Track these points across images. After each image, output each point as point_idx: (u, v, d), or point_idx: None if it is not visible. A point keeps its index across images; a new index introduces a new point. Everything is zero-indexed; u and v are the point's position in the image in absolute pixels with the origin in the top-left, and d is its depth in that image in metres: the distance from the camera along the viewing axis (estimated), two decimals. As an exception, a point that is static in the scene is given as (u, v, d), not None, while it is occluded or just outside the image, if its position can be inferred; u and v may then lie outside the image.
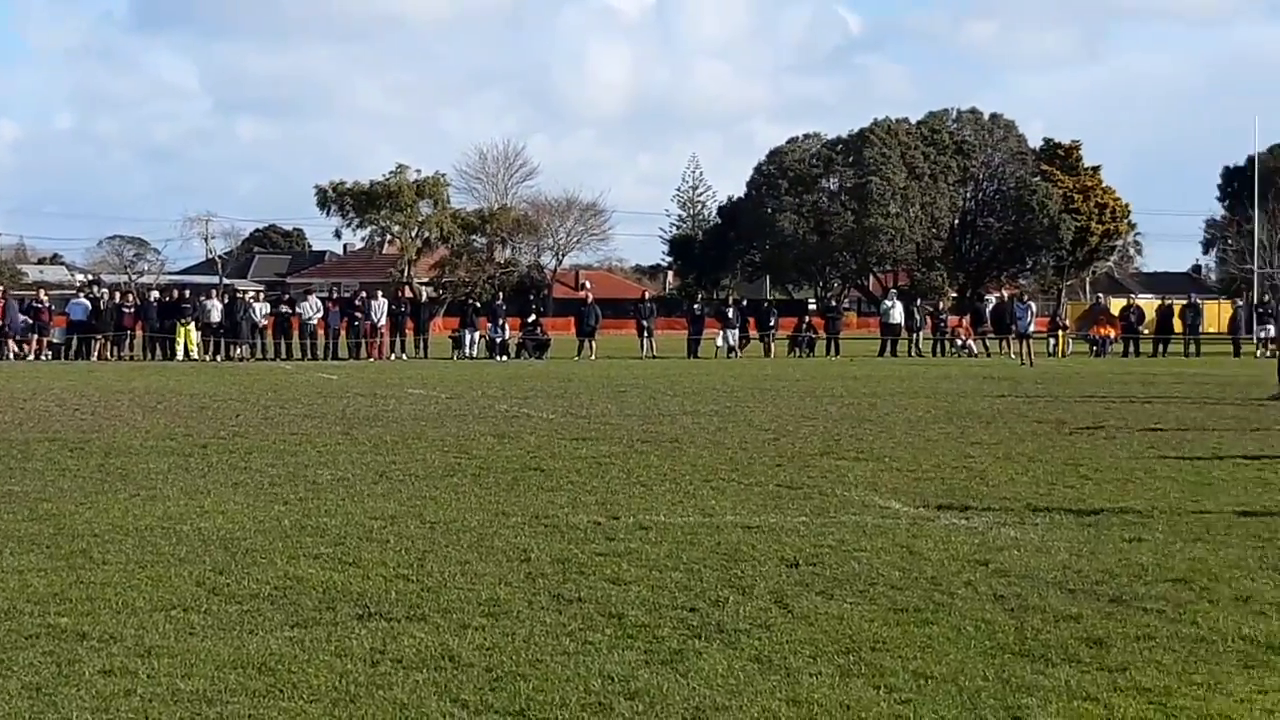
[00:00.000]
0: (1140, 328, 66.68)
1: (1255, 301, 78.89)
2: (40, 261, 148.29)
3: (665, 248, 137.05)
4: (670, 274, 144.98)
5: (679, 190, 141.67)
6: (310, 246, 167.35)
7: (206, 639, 9.65)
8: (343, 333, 58.78)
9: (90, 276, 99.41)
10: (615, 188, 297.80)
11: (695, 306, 67.82)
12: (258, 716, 7.95)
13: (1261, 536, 13.57)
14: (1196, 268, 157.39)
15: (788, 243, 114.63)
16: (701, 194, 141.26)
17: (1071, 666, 8.93)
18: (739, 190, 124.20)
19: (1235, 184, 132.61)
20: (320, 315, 58.70)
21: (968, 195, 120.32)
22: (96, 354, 55.97)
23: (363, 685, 8.55)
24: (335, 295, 64.32)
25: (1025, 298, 63.88)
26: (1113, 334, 65.26)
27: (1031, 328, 55.97)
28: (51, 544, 12.97)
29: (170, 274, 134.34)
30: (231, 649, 9.37)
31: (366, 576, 11.68)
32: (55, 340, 57.06)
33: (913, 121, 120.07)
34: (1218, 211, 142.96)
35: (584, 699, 8.26)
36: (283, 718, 7.94)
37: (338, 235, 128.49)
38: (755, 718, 7.92)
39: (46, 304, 58.56)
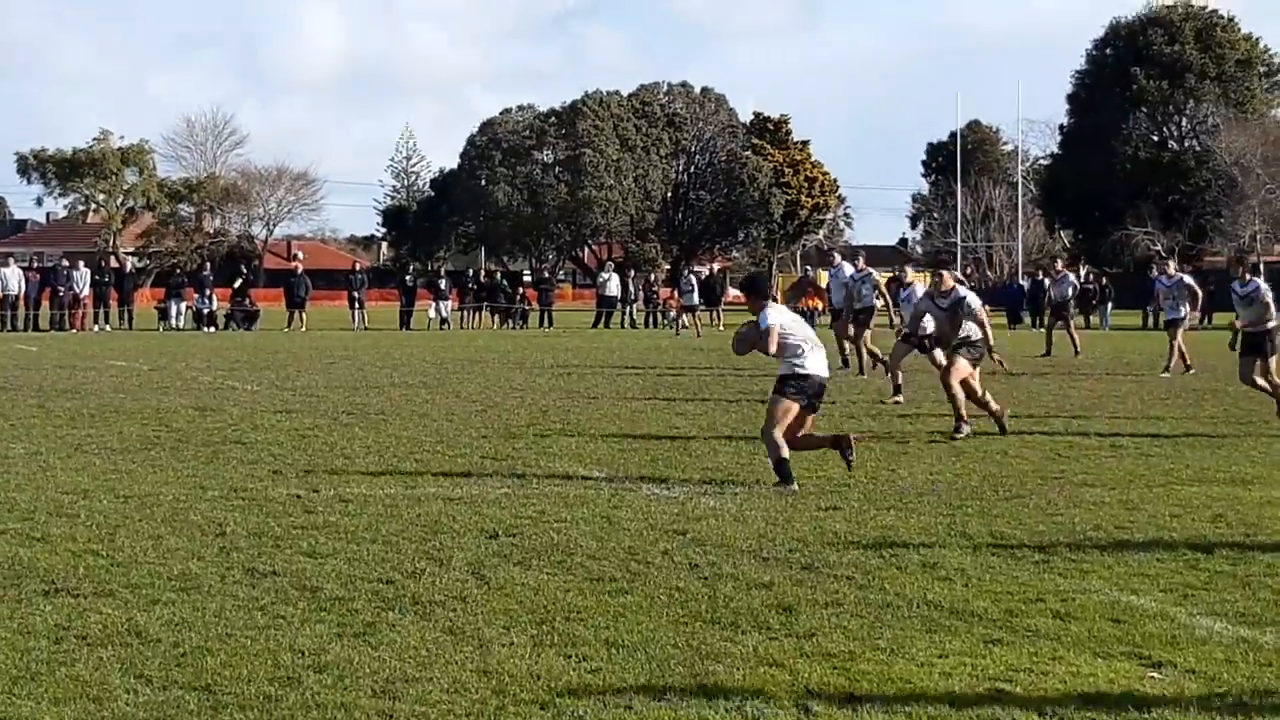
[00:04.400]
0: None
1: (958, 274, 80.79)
2: None
3: (379, 219, 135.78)
4: (385, 245, 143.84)
5: (393, 160, 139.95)
6: (11, 215, 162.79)
7: (-121, 619, 9.34)
8: (44, 303, 57.30)
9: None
10: (329, 157, 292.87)
11: (408, 278, 67.47)
12: (-69, 697, 7.72)
13: (951, 504, 13.91)
14: (903, 240, 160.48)
15: (502, 214, 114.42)
16: (415, 164, 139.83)
17: (760, 633, 9.05)
18: (452, 161, 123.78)
19: (940, 159, 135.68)
20: (21, 285, 57.12)
21: (680, 168, 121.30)
22: None
23: (44, 662, 8.34)
24: (36, 265, 62.64)
25: (688, 272, 64.77)
26: (820, 306, 66.31)
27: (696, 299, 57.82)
28: None
29: None
30: (-93, 628, 9.09)
31: (54, 552, 11.41)
32: None
33: (624, 94, 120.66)
34: (923, 186, 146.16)
35: (272, 673, 8.16)
36: (-42, 698, 7.71)
37: (39, 203, 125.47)
38: (445, 689, 7.89)
39: None
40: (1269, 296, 22.55)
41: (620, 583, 10.42)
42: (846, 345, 31.28)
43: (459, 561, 11.13)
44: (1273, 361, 22.18)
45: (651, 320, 66.18)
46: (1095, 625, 9.28)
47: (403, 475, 15.80)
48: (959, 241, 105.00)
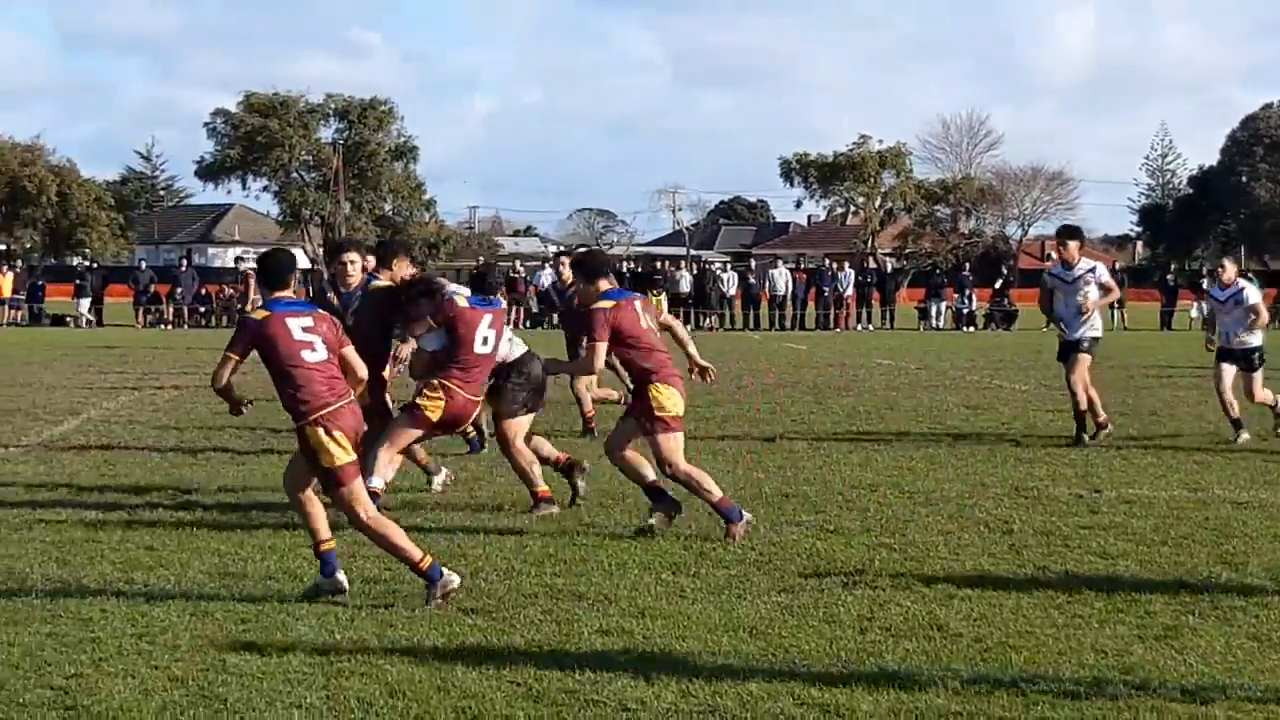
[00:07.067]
0: None
1: None
2: (515, 233, 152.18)
3: (1134, 217, 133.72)
4: (1139, 244, 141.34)
5: (1147, 158, 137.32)
6: (773, 218, 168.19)
7: (697, 602, 9.83)
8: (810, 303, 59.08)
9: (561, 248, 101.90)
10: (1080, 156, 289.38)
11: (1169, 277, 66.08)
12: (752, 678, 8.06)
13: None
14: None
15: (1264, 212, 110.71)
16: (1171, 162, 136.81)
17: None
18: (1211, 158, 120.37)
19: None
20: (788, 285, 59.02)
21: None
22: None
23: (853, 652, 8.60)
24: (801, 266, 64.74)
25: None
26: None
27: None
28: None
29: (639, 245, 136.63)
30: (722, 613, 9.53)
31: (849, 545, 11.74)
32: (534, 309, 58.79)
33: None
34: None
35: (1078, 673, 8.15)
36: (775, 681, 8.02)
37: (798, 206, 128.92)
38: (1257, 699, 7.68)
39: (521, 274, 60.29)
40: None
41: None
42: None
43: (1255, 567, 10.84)
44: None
45: None
46: None
47: (1185, 476, 15.50)
48: None
